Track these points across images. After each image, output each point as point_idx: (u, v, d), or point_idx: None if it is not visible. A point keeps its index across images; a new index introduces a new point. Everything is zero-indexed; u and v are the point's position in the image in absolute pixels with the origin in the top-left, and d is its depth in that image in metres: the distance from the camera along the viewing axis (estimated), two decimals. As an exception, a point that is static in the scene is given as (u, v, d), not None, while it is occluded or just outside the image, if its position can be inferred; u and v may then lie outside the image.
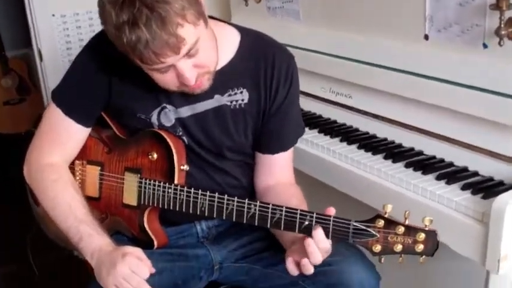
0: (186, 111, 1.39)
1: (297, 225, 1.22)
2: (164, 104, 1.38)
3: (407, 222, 1.16)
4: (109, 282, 1.26)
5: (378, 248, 1.18)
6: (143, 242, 1.40)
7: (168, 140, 1.36)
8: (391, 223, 1.16)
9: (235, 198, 1.27)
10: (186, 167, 1.37)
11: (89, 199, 1.44)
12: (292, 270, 1.22)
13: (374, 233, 1.17)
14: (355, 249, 1.35)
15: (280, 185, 1.46)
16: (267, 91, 1.40)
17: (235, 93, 1.39)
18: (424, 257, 1.17)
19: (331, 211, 1.21)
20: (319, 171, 1.77)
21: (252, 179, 1.51)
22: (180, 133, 1.40)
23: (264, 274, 1.44)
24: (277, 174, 1.47)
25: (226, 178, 1.47)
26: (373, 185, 1.58)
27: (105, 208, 1.45)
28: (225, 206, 1.28)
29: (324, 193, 1.74)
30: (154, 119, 1.39)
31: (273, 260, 1.42)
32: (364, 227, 1.18)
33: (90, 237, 1.33)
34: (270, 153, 1.46)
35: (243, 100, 1.40)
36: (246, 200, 1.26)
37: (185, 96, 1.36)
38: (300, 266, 1.21)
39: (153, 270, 1.30)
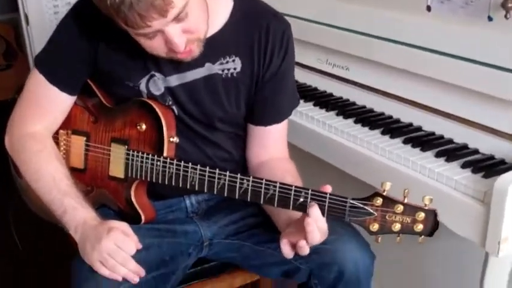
0: (175, 80, 1.32)
1: (291, 202, 1.16)
2: (153, 72, 1.31)
3: (406, 201, 1.11)
4: (93, 257, 1.21)
5: (375, 227, 1.13)
6: (130, 216, 1.34)
7: (157, 110, 1.30)
8: (389, 201, 1.11)
9: (227, 173, 1.21)
10: (175, 139, 1.31)
11: (74, 171, 1.38)
12: (288, 252, 1.17)
13: (371, 211, 1.12)
14: (350, 228, 1.31)
15: (273, 160, 1.40)
16: (261, 60, 1.33)
17: (227, 62, 1.33)
18: (422, 237, 1.12)
19: (328, 189, 1.15)
20: (314, 145, 1.71)
21: (244, 153, 1.45)
22: (170, 102, 1.33)
23: (256, 251, 1.39)
24: (270, 148, 1.42)
25: (218, 151, 1.41)
26: (370, 161, 1.53)
27: (90, 180, 1.39)
28: (216, 181, 1.23)
29: (318, 169, 1.69)
30: (142, 87, 1.32)
31: (265, 237, 1.37)
32: (361, 205, 1.12)
33: (74, 211, 1.27)
34: (263, 125, 1.40)
35: (235, 69, 1.33)
36: (239, 174, 1.20)
37: (174, 64, 1.29)
38: (295, 248, 1.16)
39: (140, 246, 1.25)
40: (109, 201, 1.38)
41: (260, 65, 1.33)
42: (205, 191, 1.24)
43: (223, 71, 1.32)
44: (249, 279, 1.55)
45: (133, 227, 1.27)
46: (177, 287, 1.39)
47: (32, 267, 2.37)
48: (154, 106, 1.30)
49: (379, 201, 1.11)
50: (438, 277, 1.74)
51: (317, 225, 1.12)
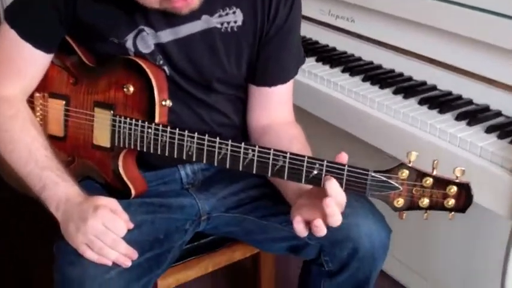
0: (167, 36, 1.15)
1: (304, 175, 1.02)
2: (141, 27, 1.14)
3: (435, 173, 0.98)
4: (78, 240, 1.07)
5: (400, 202, 0.99)
6: (118, 190, 1.20)
7: (147, 70, 1.13)
8: (416, 174, 0.97)
9: (230, 142, 1.06)
10: (168, 103, 1.15)
11: (52, 139, 1.22)
12: (301, 231, 1.03)
13: (396, 185, 0.98)
14: (365, 200, 1.18)
15: (279, 124, 1.25)
16: (265, 11, 1.17)
17: (227, 14, 1.16)
18: (453, 213, 1.00)
19: (344, 158, 1.01)
20: (318, 106, 1.56)
21: (245, 117, 1.30)
22: (161, 62, 1.17)
23: (259, 226, 1.26)
24: (275, 111, 1.27)
25: (215, 115, 1.26)
26: (382, 124, 1.39)
27: (71, 150, 1.23)
28: (216, 151, 1.08)
29: (326, 133, 1.55)
30: (129, 44, 1.15)
31: (269, 210, 1.24)
32: (384, 178, 0.98)
33: (54, 186, 1.12)
34: (267, 86, 1.25)
35: (236, 22, 1.17)
36: (243, 144, 1.06)
37: (167, 18, 1.13)
38: (309, 224, 1.02)
39: (131, 226, 1.11)
40: (93, 173, 1.23)
41: (264, 19, 1.17)
42: (204, 161, 1.10)
43: (222, 24, 1.16)
44: (249, 252, 1.44)
45: (122, 202, 1.13)
46: (173, 265, 1.26)
47: (10, 247, 2.05)
48: (143, 65, 1.14)
49: (404, 173, 0.98)
50: (457, 251, 1.62)
51: (336, 201, 0.98)
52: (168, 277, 1.29)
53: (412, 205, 0.99)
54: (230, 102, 1.28)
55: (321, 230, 0.99)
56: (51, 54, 1.19)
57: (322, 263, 1.23)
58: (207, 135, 1.08)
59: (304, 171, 1.02)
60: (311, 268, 1.29)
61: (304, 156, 1.02)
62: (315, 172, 1.02)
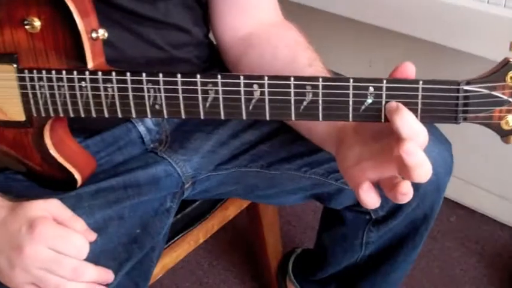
0: None
1: (351, 107, 0.64)
2: None
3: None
4: (17, 279, 0.67)
5: (511, 122, 0.64)
6: (54, 179, 0.78)
7: (55, -14, 0.69)
8: (532, 75, 0.62)
9: (219, 78, 0.66)
10: (102, 33, 0.72)
11: None
12: (373, 202, 0.63)
13: (504, 97, 0.62)
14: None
15: (266, 29, 0.85)
16: None
17: None
18: None
19: (408, 70, 0.63)
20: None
21: (210, 29, 0.90)
22: (73, -31, 0.72)
23: (267, 178, 0.89)
24: (256, 12, 0.86)
25: (170, 34, 0.86)
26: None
27: (-34, 134, 0.79)
28: (200, 96, 0.67)
29: (327, 29, 1.13)
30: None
31: (278, 155, 0.88)
32: (485, 91, 0.62)
33: (-46, 202, 0.70)
34: None
35: None
36: (241, 76, 0.65)
37: None
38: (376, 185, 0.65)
39: (94, 236, 0.72)
40: (10, 162, 0.79)
41: None
42: (184, 116, 0.69)
43: None
44: (245, 203, 1.09)
45: (67, 199, 0.73)
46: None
47: None
48: (47, -20, 0.69)
49: (516, 76, 0.62)
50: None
51: (418, 142, 0.61)
52: (153, 269, 0.93)
53: (528, 122, 0.64)
54: (185, 10, 0.87)
55: (409, 196, 0.62)
56: None
57: (368, 211, 0.89)
58: (179, 75, 0.67)
59: (351, 101, 0.64)
60: (345, 216, 0.95)
61: (348, 80, 0.64)
62: (369, 101, 0.64)
